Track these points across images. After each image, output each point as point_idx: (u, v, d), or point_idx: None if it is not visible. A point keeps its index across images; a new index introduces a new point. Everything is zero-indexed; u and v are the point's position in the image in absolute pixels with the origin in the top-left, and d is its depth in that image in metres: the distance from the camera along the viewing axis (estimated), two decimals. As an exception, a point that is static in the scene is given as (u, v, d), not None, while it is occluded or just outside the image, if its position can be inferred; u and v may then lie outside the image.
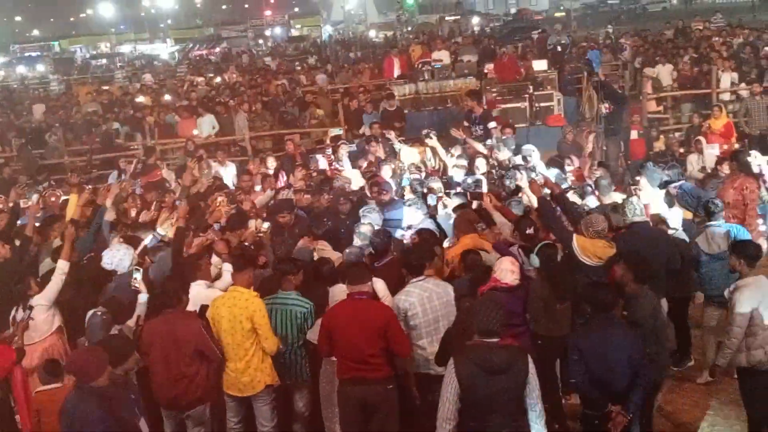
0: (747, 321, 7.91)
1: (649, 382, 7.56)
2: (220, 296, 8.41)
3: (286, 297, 8.47)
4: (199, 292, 8.78)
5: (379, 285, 8.56)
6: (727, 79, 21.50)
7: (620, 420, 7.10)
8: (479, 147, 14.36)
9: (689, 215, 11.51)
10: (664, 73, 23.46)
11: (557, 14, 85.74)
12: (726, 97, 20.88)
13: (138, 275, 8.79)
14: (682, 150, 16.67)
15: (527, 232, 9.51)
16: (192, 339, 7.89)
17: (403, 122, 18.60)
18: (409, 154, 15.22)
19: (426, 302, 8.17)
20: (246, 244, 10.48)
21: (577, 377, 7.32)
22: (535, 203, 10.39)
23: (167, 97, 29.20)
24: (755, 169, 12.39)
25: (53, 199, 14.13)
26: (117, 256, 9.46)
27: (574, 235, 9.13)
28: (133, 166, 15.92)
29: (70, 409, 6.53)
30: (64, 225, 10.58)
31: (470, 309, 6.94)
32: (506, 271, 8.48)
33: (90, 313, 8.42)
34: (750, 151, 13.39)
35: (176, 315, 8.04)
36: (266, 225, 11.30)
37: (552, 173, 12.08)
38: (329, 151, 16.05)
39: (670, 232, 10.32)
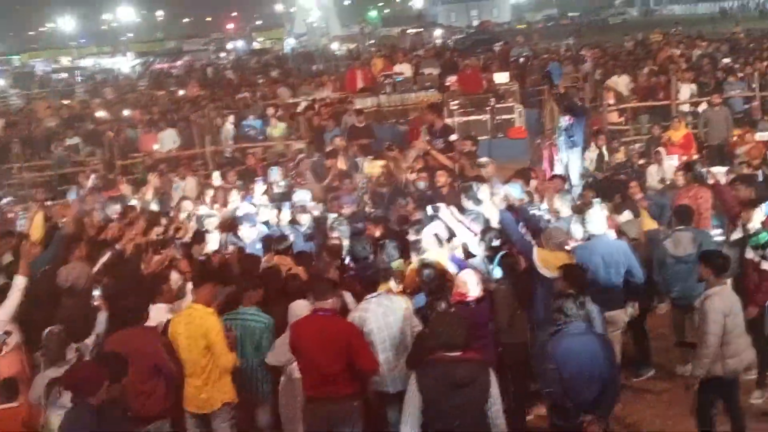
0: (721, 329, 7.95)
1: (618, 391, 7.59)
2: (179, 313, 8.34)
3: (245, 313, 8.42)
4: (159, 315, 8.67)
5: (348, 298, 8.57)
6: (686, 90, 21.70)
7: (593, 429, 7.08)
8: (441, 159, 14.40)
9: (652, 225, 11.60)
10: (621, 84, 23.63)
11: (519, 26, 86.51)
12: (685, 108, 21.07)
13: (97, 293, 8.70)
14: (642, 161, 16.79)
15: (493, 243, 9.55)
16: (149, 355, 7.80)
17: (372, 138, 18.56)
18: (371, 168, 15.22)
19: (381, 318, 8.04)
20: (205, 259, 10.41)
21: (552, 386, 7.29)
22: (496, 215, 10.39)
23: (127, 112, 29.00)
24: (710, 181, 12.51)
25: (11, 215, 14.00)
26: (73, 273, 9.33)
27: (535, 248, 9.16)
28: (90, 181, 15.74)
29: (67, 426, 6.44)
30: (18, 240, 10.45)
31: (433, 323, 6.94)
32: (470, 284, 8.50)
33: (47, 330, 8.30)
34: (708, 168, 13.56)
35: (135, 331, 7.95)
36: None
37: (515, 186, 12.09)
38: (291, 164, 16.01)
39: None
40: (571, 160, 15.44)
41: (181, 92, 34.51)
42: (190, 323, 8.00)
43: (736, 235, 10.23)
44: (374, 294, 8.25)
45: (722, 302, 8.02)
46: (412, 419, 6.46)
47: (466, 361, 6.53)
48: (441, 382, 6.41)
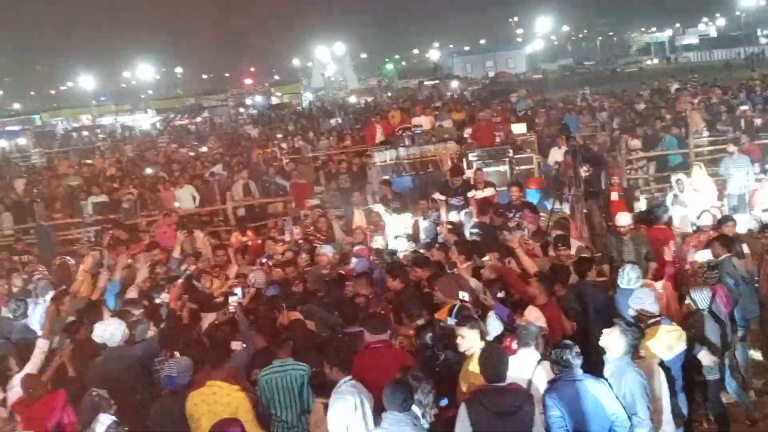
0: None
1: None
2: (198, 391, 7.95)
3: (284, 364, 8.36)
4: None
5: None
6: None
7: None
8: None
9: None
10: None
11: (535, 76, 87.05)
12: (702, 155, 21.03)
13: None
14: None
15: (498, 295, 9.53)
16: None
17: None
18: (396, 224, 15.34)
19: None
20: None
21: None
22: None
23: (149, 170, 29.16)
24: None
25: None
26: (108, 330, 9.30)
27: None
28: (106, 240, 15.70)
29: None
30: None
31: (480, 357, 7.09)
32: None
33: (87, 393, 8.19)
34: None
35: None
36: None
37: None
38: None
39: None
40: (593, 210, 15.45)
41: (203, 149, 34.79)
42: (216, 402, 7.74)
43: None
44: None
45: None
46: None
47: (512, 390, 6.85)
48: (489, 411, 6.63)
